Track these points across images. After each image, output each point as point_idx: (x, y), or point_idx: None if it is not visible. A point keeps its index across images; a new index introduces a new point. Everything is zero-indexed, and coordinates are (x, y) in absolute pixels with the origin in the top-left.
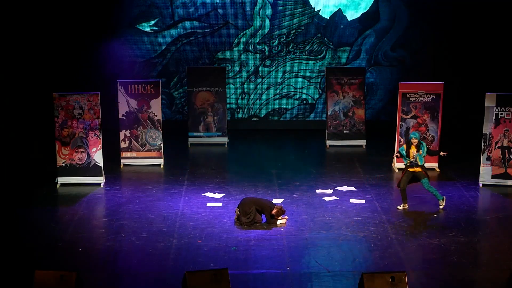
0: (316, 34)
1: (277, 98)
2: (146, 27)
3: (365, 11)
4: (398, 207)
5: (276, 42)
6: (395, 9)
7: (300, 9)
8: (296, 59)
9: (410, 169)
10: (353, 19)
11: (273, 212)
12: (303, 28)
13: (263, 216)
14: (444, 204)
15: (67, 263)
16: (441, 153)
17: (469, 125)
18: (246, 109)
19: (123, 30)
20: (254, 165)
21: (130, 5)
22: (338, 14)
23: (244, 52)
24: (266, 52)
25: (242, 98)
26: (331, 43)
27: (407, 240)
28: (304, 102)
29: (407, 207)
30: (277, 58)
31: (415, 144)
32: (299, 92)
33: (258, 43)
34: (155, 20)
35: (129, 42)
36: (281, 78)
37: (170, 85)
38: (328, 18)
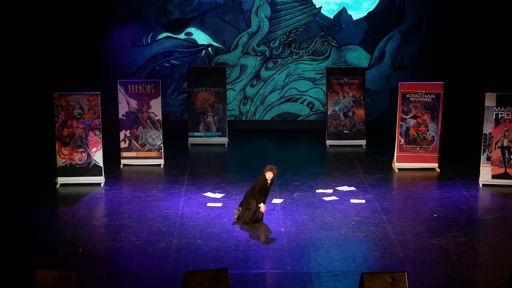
0: (319, 33)
1: (281, 103)
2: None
3: (370, 10)
4: None
5: (277, 43)
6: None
7: (300, 7)
8: (299, 60)
9: None
10: (359, 19)
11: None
12: (304, 27)
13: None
14: None
15: (67, 263)
16: None
17: (469, 125)
18: (249, 115)
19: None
20: (254, 165)
21: (126, 4)
22: (343, 13)
23: (243, 55)
24: (267, 54)
25: (244, 104)
26: (335, 42)
27: (407, 240)
28: (310, 105)
29: None
30: (279, 60)
31: None
32: (304, 95)
33: (258, 45)
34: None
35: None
36: (284, 80)
37: (167, 93)
38: (332, 18)
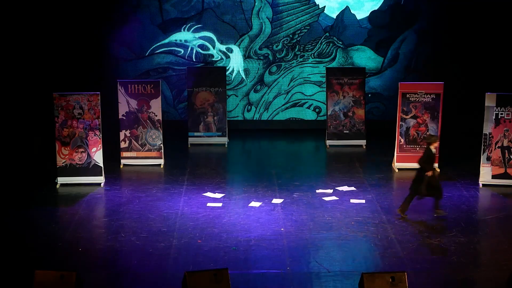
0: (323, 34)
1: (287, 108)
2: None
3: (375, 9)
4: None
5: (280, 46)
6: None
7: (302, 7)
8: (304, 63)
9: None
10: (362, 18)
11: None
12: (308, 28)
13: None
14: None
15: (67, 263)
16: None
17: (469, 125)
18: (254, 121)
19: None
20: (254, 165)
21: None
22: (346, 13)
23: (245, 59)
24: (270, 57)
25: (248, 111)
26: (340, 42)
27: (407, 240)
28: (317, 110)
29: None
30: (283, 63)
31: None
32: (310, 99)
33: (260, 48)
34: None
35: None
36: (289, 85)
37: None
38: (334, 17)
